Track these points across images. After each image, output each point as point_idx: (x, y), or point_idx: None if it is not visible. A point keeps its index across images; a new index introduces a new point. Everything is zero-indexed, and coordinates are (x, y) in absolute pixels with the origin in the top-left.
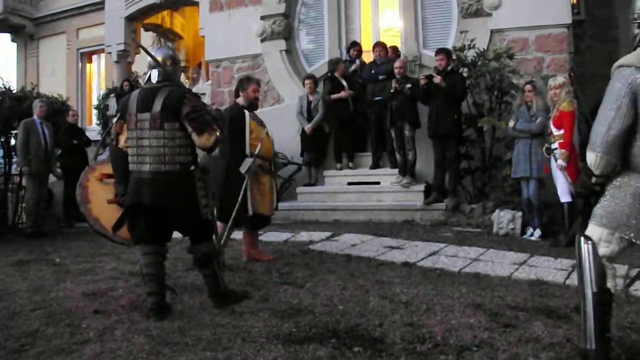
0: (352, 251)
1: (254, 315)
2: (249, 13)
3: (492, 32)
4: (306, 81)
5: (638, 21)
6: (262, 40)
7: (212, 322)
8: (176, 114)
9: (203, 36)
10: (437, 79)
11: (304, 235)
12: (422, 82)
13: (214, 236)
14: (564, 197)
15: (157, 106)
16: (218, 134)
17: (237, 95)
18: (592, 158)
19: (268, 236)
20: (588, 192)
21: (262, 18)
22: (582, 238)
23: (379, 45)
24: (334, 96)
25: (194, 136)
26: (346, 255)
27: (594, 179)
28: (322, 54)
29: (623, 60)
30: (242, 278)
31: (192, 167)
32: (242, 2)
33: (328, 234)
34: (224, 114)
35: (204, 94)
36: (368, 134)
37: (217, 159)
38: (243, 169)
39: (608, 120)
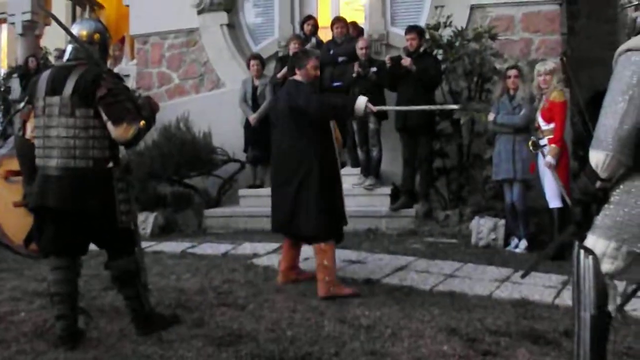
0: (304, 266)
1: (186, 343)
2: None
3: (473, 7)
4: (251, 62)
5: (635, 3)
6: (200, 12)
7: (134, 353)
8: (90, 98)
9: (127, 5)
10: (407, 62)
11: (247, 247)
12: (388, 63)
13: (136, 249)
14: (553, 201)
15: (69, 89)
16: (142, 124)
17: (292, 73)
18: (599, 158)
19: (204, 248)
20: (590, 199)
21: None
22: (582, 251)
23: (339, 21)
24: (280, 74)
25: (110, 126)
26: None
27: (599, 183)
28: (271, 30)
29: (630, 43)
30: (171, 299)
31: (111, 165)
32: None
33: (275, 245)
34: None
35: (128, 75)
36: None
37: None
38: (359, 110)
39: (620, 113)
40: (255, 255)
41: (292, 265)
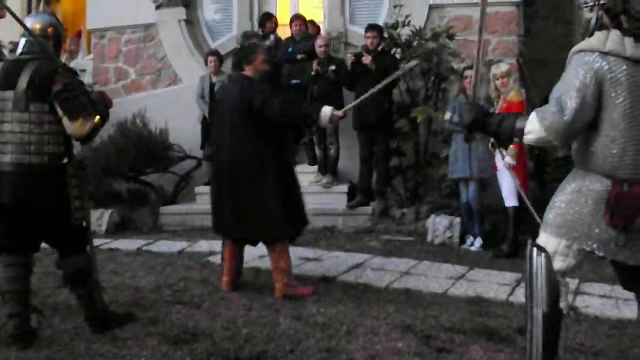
0: (260, 264)
1: (141, 342)
2: None
3: (431, 7)
4: (209, 59)
5: (590, 5)
6: (158, 7)
7: (88, 352)
8: (46, 93)
9: None
10: (367, 60)
11: (203, 245)
12: (350, 60)
13: (88, 247)
14: (510, 200)
15: (23, 83)
16: (97, 120)
17: (239, 68)
18: (539, 132)
19: (159, 246)
20: (488, 133)
21: None
22: (534, 249)
23: (298, 19)
24: None
25: (66, 121)
26: (253, 268)
27: (516, 140)
28: (230, 27)
29: (583, 45)
30: (126, 297)
31: (66, 161)
32: None
33: None
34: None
35: (84, 70)
36: None
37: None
38: (325, 120)
39: (575, 108)
40: (212, 253)
41: (238, 270)
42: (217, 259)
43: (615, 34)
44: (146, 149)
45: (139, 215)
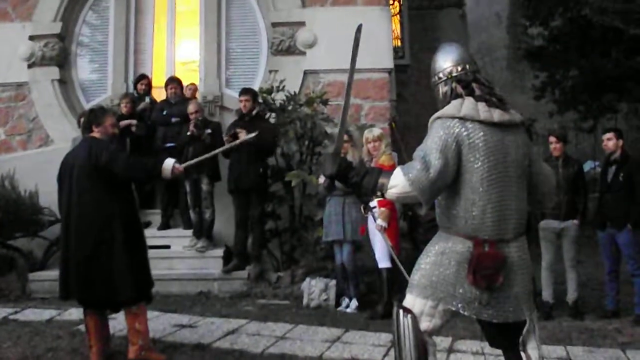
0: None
1: None
2: (14, 30)
3: (306, 73)
4: (82, 120)
5: (443, 79)
6: (30, 66)
7: None
8: None
9: None
10: (243, 135)
11: (73, 313)
12: (226, 140)
13: None
14: (383, 262)
15: None
16: None
17: (88, 130)
18: (404, 187)
19: (27, 314)
20: (347, 184)
21: (31, 38)
22: (401, 311)
23: (172, 82)
24: (123, 123)
25: None
26: (125, 337)
27: (379, 193)
28: (105, 88)
29: (441, 112)
30: None
31: None
32: (7, 15)
33: None
34: (108, 153)
35: None
36: (157, 187)
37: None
38: (167, 171)
39: (438, 168)
40: (82, 321)
41: (106, 338)
42: None
43: (468, 100)
44: (14, 212)
45: (5, 281)
